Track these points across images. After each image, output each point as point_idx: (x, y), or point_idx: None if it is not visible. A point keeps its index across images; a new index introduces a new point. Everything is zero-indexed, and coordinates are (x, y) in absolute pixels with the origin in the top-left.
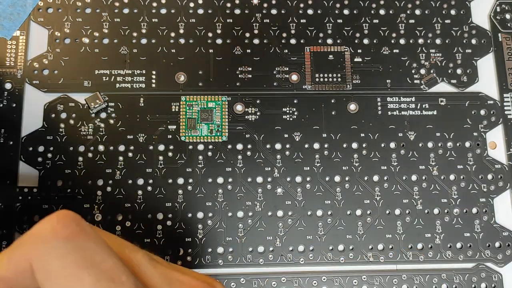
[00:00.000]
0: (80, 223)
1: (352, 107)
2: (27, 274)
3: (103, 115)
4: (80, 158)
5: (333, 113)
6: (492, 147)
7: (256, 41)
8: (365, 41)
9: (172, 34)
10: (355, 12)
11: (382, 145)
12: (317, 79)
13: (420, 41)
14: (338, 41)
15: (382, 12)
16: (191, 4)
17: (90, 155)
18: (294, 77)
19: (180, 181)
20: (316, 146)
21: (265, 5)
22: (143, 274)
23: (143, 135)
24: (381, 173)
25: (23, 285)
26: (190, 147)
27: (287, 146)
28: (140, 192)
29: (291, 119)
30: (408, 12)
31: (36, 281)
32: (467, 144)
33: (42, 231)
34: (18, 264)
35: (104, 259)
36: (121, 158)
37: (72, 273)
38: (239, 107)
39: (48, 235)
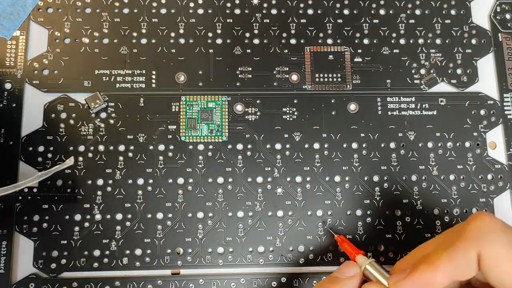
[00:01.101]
0: (499, 219)
1: (352, 107)
2: (472, 262)
3: (103, 115)
4: (80, 158)
5: (333, 113)
6: (492, 147)
7: (256, 41)
8: (365, 41)
9: (172, 34)
10: (355, 12)
11: (382, 145)
12: (317, 79)
13: (420, 41)
14: (338, 41)
15: (382, 12)
16: (191, 4)
17: (90, 155)
18: (294, 77)
19: (180, 181)
20: (316, 146)
21: (265, 5)
22: None
23: (143, 135)
24: (381, 173)
25: (465, 273)
26: (190, 147)
27: (287, 146)
28: (140, 192)
29: (291, 119)
30: (408, 12)
31: (475, 270)
32: (467, 144)
33: (482, 227)
34: (465, 255)
35: None
36: (121, 158)
37: None
38: (239, 107)
39: (489, 229)
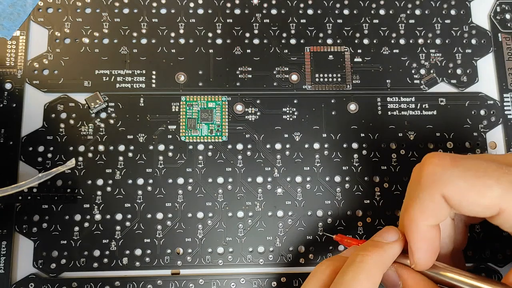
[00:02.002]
0: (447, 155)
1: (352, 107)
2: (441, 205)
3: (103, 115)
4: (80, 158)
5: (333, 113)
6: (492, 147)
7: (256, 41)
8: (365, 41)
9: (172, 34)
10: (355, 12)
11: (382, 145)
12: (317, 79)
13: (420, 41)
14: (338, 41)
15: (382, 12)
16: (191, 4)
17: (90, 155)
18: (294, 77)
19: (180, 181)
20: (316, 146)
21: (265, 5)
22: None
23: (143, 135)
24: (381, 173)
25: (440, 216)
26: (190, 147)
27: (287, 146)
28: (140, 192)
29: (291, 119)
30: (408, 12)
31: (449, 208)
32: (467, 144)
33: (435, 171)
34: (432, 202)
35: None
36: (121, 158)
37: (475, 182)
38: (239, 107)
39: (442, 170)
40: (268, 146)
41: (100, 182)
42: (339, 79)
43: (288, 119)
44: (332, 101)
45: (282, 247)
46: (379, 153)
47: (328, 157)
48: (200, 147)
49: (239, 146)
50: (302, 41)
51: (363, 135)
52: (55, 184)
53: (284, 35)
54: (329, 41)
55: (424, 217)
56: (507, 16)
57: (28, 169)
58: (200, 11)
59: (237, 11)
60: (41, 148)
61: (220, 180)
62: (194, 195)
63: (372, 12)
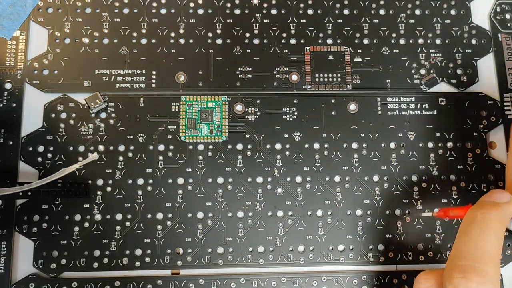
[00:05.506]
0: None
1: (352, 107)
2: None
3: (103, 115)
4: (80, 158)
5: (333, 113)
6: (492, 147)
7: (256, 41)
8: (365, 41)
9: (172, 34)
10: (355, 12)
11: (382, 145)
12: (317, 79)
13: (420, 41)
14: (338, 41)
15: (382, 12)
16: (191, 4)
17: (90, 155)
18: (294, 77)
19: (180, 181)
20: (316, 146)
21: (265, 5)
22: None
23: (143, 135)
24: (381, 173)
25: None
26: (190, 147)
27: (287, 146)
28: (140, 192)
29: (291, 119)
30: (408, 12)
31: None
32: (467, 144)
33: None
34: None
35: None
36: (121, 158)
37: None
38: (239, 107)
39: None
40: (268, 146)
41: (100, 182)
42: (339, 79)
43: (288, 119)
44: (332, 101)
45: (282, 247)
46: (379, 153)
47: (328, 157)
48: (200, 147)
49: (239, 146)
50: (302, 41)
51: (363, 135)
52: (56, 184)
53: (284, 35)
54: (329, 41)
55: None
56: (507, 16)
57: (28, 169)
58: (200, 11)
59: (237, 11)
60: (41, 148)
61: (220, 180)
62: (194, 195)
63: (372, 12)
